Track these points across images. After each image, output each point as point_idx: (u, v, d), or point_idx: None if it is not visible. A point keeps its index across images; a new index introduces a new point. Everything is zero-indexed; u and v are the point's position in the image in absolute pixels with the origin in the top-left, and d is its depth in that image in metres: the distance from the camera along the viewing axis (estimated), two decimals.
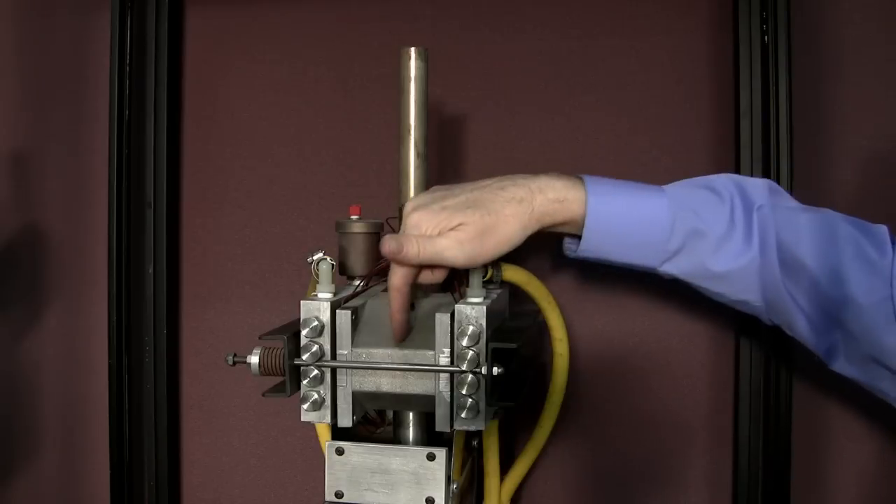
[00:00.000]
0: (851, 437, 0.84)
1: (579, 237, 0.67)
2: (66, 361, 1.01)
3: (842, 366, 0.67)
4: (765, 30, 0.80)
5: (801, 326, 0.67)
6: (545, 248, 0.89)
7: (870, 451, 0.84)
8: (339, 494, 0.68)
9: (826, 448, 0.85)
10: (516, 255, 0.83)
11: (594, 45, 0.89)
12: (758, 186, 0.68)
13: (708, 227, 0.66)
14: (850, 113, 0.84)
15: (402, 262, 0.63)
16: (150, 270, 0.94)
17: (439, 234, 0.63)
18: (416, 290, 0.70)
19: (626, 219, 0.66)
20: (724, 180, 0.69)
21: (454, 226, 0.63)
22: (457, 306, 0.63)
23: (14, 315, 1.02)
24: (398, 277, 0.64)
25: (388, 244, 0.62)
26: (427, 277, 0.66)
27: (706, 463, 0.87)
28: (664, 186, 0.69)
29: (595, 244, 0.67)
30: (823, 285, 0.64)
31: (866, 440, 0.84)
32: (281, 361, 0.65)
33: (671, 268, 0.68)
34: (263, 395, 0.66)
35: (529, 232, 0.66)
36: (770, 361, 0.81)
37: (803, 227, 0.66)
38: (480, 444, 0.78)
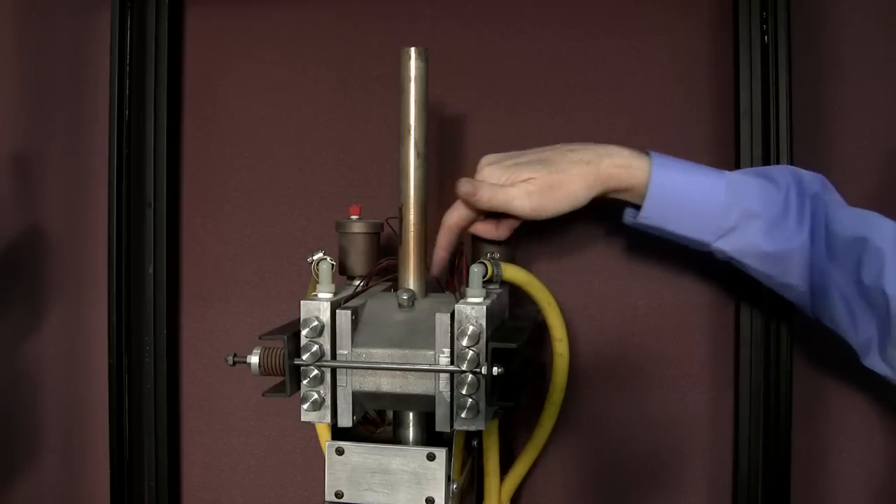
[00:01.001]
0: (851, 436, 0.84)
1: (638, 207, 0.71)
2: (66, 361, 1.01)
3: (874, 361, 0.68)
4: (765, 30, 0.80)
5: (841, 316, 0.68)
6: (545, 247, 0.89)
7: (870, 451, 0.84)
8: (339, 494, 0.68)
9: (826, 448, 0.85)
10: (516, 255, 0.83)
11: (594, 45, 0.89)
12: (813, 178, 0.71)
13: (762, 209, 0.69)
14: (850, 113, 0.84)
15: (473, 205, 0.70)
16: (150, 270, 0.94)
17: (510, 185, 0.70)
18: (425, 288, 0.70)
19: (686, 191, 0.70)
20: (782, 170, 0.72)
21: (524, 179, 0.69)
22: (457, 306, 0.63)
23: (14, 315, 1.02)
24: (455, 216, 0.71)
25: (464, 186, 0.69)
26: (491, 232, 0.73)
27: (706, 463, 0.87)
28: (724, 171, 0.72)
29: (655, 212, 0.70)
30: (864, 276, 0.66)
31: (866, 440, 0.84)
32: (281, 361, 0.65)
33: (724, 244, 0.70)
34: (263, 395, 0.66)
35: (594, 193, 0.70)
36: (770, 361, 0.81)
37: (851, 218, 0.68)
38: (480, 444, 0.78)
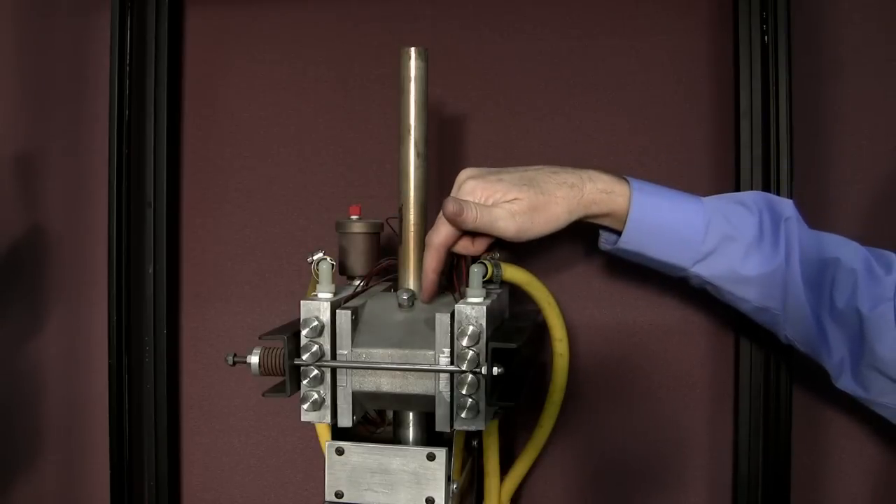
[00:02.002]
0: (851, 437, 0.84)
1: (616, 233, 0.71)
2: (66, 361, 1.01)
3: (846, 382, 0.70)
4: (765, 30, 0.80)
5: (814, 338, 0.70)
6: (545, 248, 0.89)
7: (870, 451, 0.84)
8: (339, 494, 0.68)
9: (826, 448, 0.85)
10: (517, 255, 0.83)
11: (594, 45, 0.89)
12: (785, 203, 0.72)
13: (739, 233, 0.70)
14: (850, 113, 0.84)
15: (458, 225, 0.67)
16: (150, 270, 0.94)
17: (493, 204, 0.67)
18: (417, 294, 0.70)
19: (665, 215, 0.70)
20: (754, 195, 0.73)
21: (509, 199, 0.67)
22: (457, 306, 0.63)
23: (14, 315, 1.02)
24: (441, 236, 0.68)
25: (451, 205, 0.66)
26: (467, 248, 0.70)
27: (706, 463, 0.87)
28: (700, 197, 0.73)
29: (635, 237, 0.70)
30: (837, 296, 0.68)
31: (866, 440, 0.84)
32: (281, 361, 0.65)
33: (702, 269, 0.70)
34: (263, 395, 0.66)
35: (574, 217, 0.70)
36: (770, 361, 0.81)
37: (822, 241, 0.71)
38: (480, 444, 0.78)
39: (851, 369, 0.69)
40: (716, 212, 0.70)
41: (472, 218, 0.66)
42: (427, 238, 0.68)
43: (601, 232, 0.75)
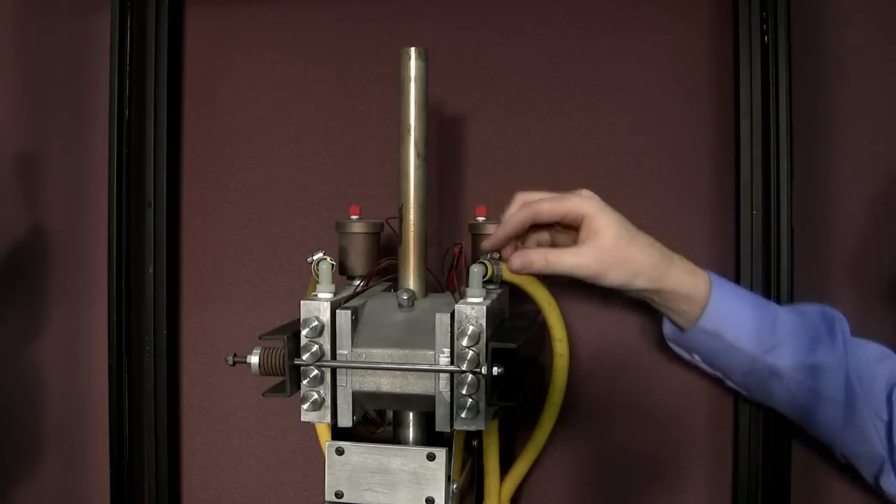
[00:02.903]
0: None
1: (678, 327, 0.74)
2: (66, 361, 1.01)
3: (890, 482, 0.71)
4: (765, 30, 0.80)
5: (870, 433, 0.71)
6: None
7: None
8: (339, 494, 0.68)
9: (826, 448, 0.84)
10: None
11: (594, 45, 0.89)
12: (836, 311, 0.75)
13: (803, 326, 0.73)
14: (850, 113, 0.84)
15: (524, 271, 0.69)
16: (150, 270, 0.94)
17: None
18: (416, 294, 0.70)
19: (741, 301, 0.73)
20: (807, 306, 0.76)
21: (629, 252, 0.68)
22: (457, 306, 0.63)
23: (14, 315, 1.02)
24: (523, 214, 0.69)
25: (517, 261, 0.68)
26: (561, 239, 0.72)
27: (706, 463, 0.87)
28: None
29: (715, 317, 0.71)
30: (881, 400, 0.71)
31: None
32: (281, 361, 0.65)
33: (772, 358, 0.72)
34: (263, 395, 0.66)
35: (654, 284, 0.70)
36: None
37: (870, 344, 0.73)
38: (480, 444, 0.78)
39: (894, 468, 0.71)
40: (780, 308, 0.74)
41: (540, 266, 0.68)
42: (511, 213, 0.70)
43: (666, 321, 0.76)
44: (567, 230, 0.72)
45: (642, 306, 0.88)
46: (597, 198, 0.70)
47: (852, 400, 0.71)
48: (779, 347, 0.71)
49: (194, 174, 0.98)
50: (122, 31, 0.92)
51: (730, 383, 0.78)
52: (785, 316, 0.73)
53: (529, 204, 0.70)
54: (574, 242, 0.70)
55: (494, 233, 0.71)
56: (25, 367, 1.01)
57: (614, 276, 0.68)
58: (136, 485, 0.95)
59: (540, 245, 0.74)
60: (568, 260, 0.68)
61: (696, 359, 0.77)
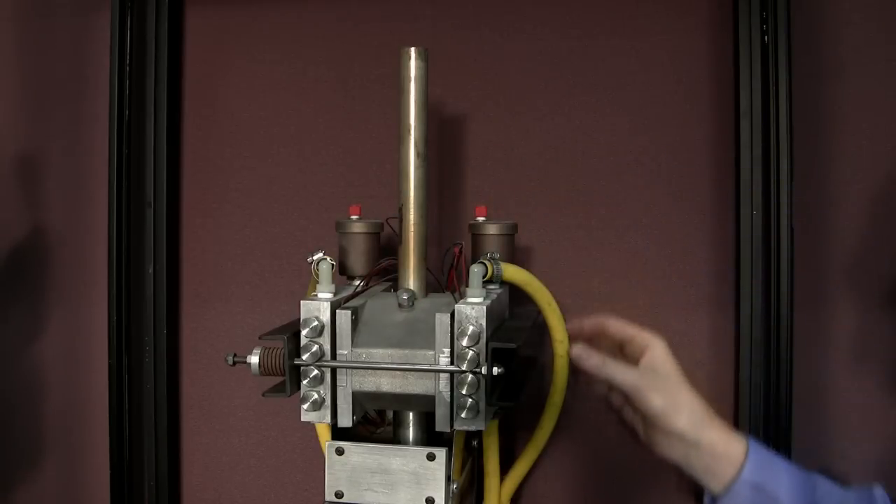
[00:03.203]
0: (851, 437, 0.84)
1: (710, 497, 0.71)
2: (66, 361, 1.01)
3: None
4: (765, 30, 0.80)
5: None
6: (545, 248, 0.89)
7: (869, 451, 0.84)
8: (339, 494, 0.68)
9: (826, 448, 0.85)
10: (517, 256, 0.83)
11: (594, 45, 0.89)
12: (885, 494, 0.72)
13: (843, 499, 0.68)
14: (850, 113, 0.84)
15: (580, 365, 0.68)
16: (150, 270, 0.94)
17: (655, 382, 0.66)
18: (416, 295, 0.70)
19: (777, 460, 0.69)
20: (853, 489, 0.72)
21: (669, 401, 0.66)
22: (457, 306, 0.63)
23: (14, 315, 1.02)
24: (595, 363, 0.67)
25: (584, 358, 0.67)
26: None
27: None
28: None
29: (756, 469, 0.68)
30: None
31: (866, 441, 0.84)
32: (281, 361, 0.65)
33: None
34: (263, 395, 0.66)
35: (694, 432, 0.68)
36: (770, 362, 0.81)
37: None
38: (480, 444, 0.78)
39: None
40: (817, 476, 0.70)
41: (593, 367, 0.67)
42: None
43: (706, 497, 0.73)
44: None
45: (642, 306, 0.88)
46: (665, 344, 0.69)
47: None
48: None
49: (194, 174, 0.98)
50: (122, 31, 0.92)
51: None
52: (823, 483, 0.70)
53: (608, 317, 0.70)
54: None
55: (573, 322, 0.71)
56: (26, 367, 1.01)
57: (656, 398, 0.67)
58: (136, 485, 0.95)
59: None
60: (620, 370, 0.67)
61: None
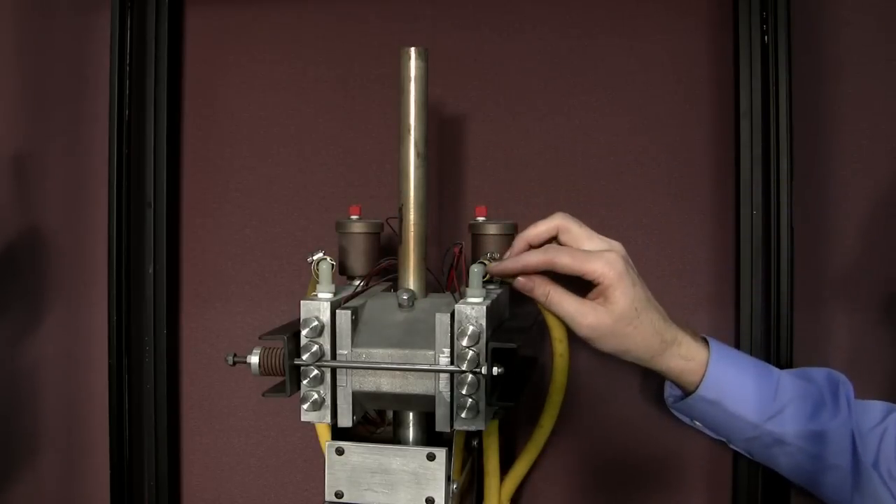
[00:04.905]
0: None
1: (682, 394, 0.75)
2: (66, 361, 1.01)
3: None
4: (765, 30, 0.80)
5: (885, 499, 0.70)
6: None
7: None
8: (339, 494, 0.68)
9: None
10: None
11: (594, 45, 0.89)
12: (840, 375, 0.74)
13: (805, 393, 0.72)
14: (850, 113, 0.84)
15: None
16: (150, 270, 0.94)
17: (604, 288, 0.67)
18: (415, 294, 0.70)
19: (741, 370, 0.72)
20: (815, 369, 0.76)
21: (612, 301, 0.66)
22: (457, 306, 0.63)
23: (14, 315, 1.02)
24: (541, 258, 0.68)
25: (522, 284, 0.69)
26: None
27: (706, 463, 0.87)
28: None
29: (713, 388, 0.71)
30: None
31: None
32: (281, 361, 0.65)
33: (774, 426, 0.71)
34: (263, 395, 0.66)
35: (645, 364, 0.71)
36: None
37: (869, 407, 0.73)
38: (480, 444, 0.78)
39: None
40: (784, 374, 0.73)
41: (541, 297, 0.68)
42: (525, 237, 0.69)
43: (667, 385, 0.77)
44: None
45: None
46: (623, 261, 0.67)
47: (859, 466, 0.70)
48: (780, 415, 0.71)
49: (194, 174, 0.98)
50: (122, 31, 0.92)
51: (733, 447, 0.78)
52: (787, 381, 0.73)
53: (550, 251, 0.68)
54: (584, 286, 0.69)
55: (507, 261, 0.69)
56: (26, 367, 1.01)
57: (604, 345, 0.69)
58: (136, 485, 0.95)
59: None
60: (567, 308, 0.67)
61: (698, 424, 0.78)
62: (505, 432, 0.84)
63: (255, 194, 0.96)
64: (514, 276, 0.69)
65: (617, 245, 0.69)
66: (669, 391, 0.78)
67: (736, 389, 0.71)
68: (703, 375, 0.71)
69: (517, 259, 0.68)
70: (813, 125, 0.84)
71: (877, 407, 0.73)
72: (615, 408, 0.88)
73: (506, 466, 0.82)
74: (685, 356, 0.71)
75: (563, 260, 0.67)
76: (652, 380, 0.88)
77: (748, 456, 0.78)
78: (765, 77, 0.80)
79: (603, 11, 0.88)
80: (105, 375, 0.93)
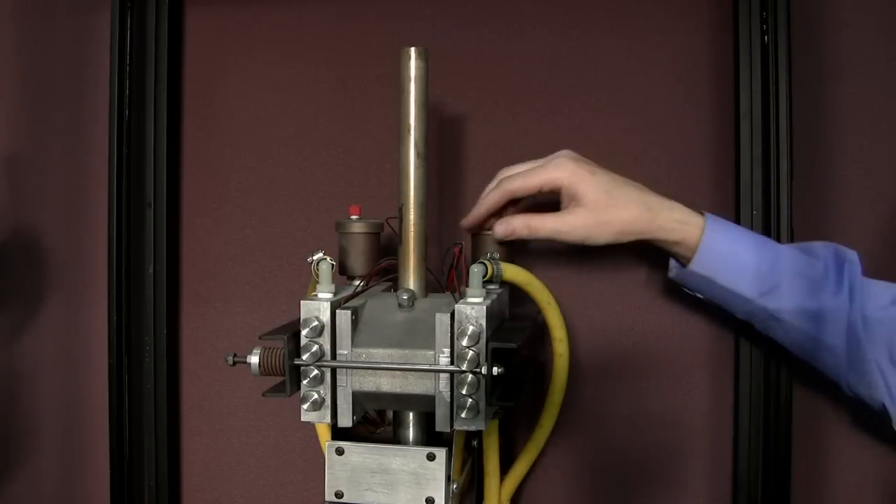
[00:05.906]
0: (851, 437, 0.84)
1: (682, 264, 0.74)
2: (65, 361, 1.01)
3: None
4: (765, 30, 0.80)
5: (877, 382, 0.70)
6: (546, 247, 0.89)
7: (870, 451, 0.84)
8: (339, 494, 0.68)
9: (826, 448, 0.85)
10: (517, 256, 0.83)
11: (593, 45, 0.89)
12: (849, 251, 0.73)
13: (805, 270, 0.71)
14: (850, 113, 0.84)
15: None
16: (150, 270, 0.94)
17: (567, 187, 0.70)
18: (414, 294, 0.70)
19: (736, 246, 0.72)
20: (821, 243, 0.74)
21: (582, 194, 0.70)
22: (457, 306, 0.63)
23: (14, 315, 1.02)
24: (513, 187, 0.72)
25: (501, 228, 0.72)
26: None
27: (706, 463, 0.87)
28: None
29: (706, 261, 0.71)
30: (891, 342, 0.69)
31: (866, 441, 0.84)
32: (281, 361, 0.65)
33: (769, 301, 0.71)
34: (263, 395, 0.66)
35: (641, 237, 0.72)
36: (770, 361, 0.81)
37: (883, 292, 0.71)
38: (480, 444, 0.78)
39: None
40: (785, 249, 0.73)
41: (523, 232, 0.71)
42: (503, 184, 0.73)
43: (671, 260, 0.77)
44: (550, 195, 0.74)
45: (642, 306, 0.88)
46: (572, 160, 0.71)
47: (855, 346, 0.69)
48: (777, 290, 0.70)
49: (194, 174, 0.98)
50: (122, 31, 0.92)
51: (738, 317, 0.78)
52: (788, 256, 0.71)
53: (503, 182, 0.72)
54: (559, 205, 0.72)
55: (472, 211, 0.74)
56: (25, 367, 1.01)
57: (599, 238, 0.70)
58: (136, 485, 0.95)
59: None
60: (550, 224, 0.69)
61: (700, 296, 0.78)
62: (505, 432, 0.84)
63: (255, 194, 0.96)
64: (484, 220, 0.74)
65: (563, 151, 0.73)
66: (672, 265, 0.78)
67: (730, 263, 0.71)
68: (697, 248, 0.71)
69: (479, 206, 0.73)
70: (813, 125, 0.84)
71: (883, 291, 0.71)
72: (615, 408, 0.88)
73: (506, 466, 0.82)
74: (680, 220, 0.71)
75: (515, 184, 0.71)
76: (652, 380, 0.88)
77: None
78: (765, 77, 0.80)
79: (603, 12, 0.88)
80: (105, 375, 0.93)
